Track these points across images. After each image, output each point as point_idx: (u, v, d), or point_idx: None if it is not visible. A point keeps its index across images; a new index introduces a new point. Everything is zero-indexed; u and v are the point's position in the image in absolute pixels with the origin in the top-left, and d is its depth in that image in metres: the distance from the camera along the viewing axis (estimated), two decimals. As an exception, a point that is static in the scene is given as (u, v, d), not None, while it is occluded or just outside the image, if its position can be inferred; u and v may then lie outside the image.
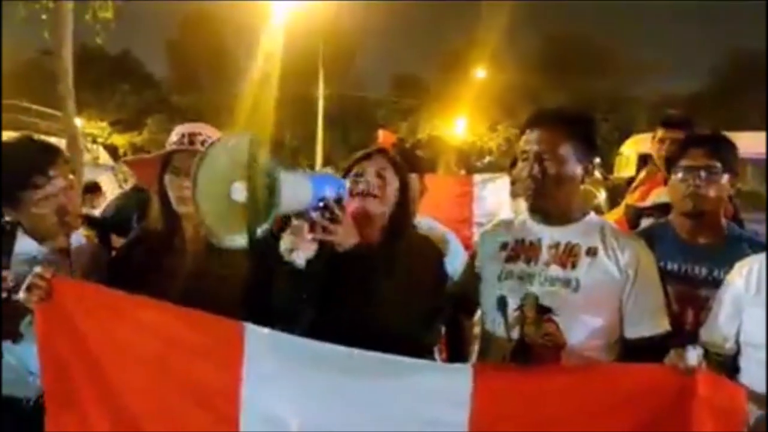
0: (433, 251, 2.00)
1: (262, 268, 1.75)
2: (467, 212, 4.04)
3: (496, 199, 4.12)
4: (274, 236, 1.65)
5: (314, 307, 1.75)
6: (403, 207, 1.92)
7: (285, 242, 1.66)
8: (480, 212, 4.09)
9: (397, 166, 1.92)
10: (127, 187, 5.57)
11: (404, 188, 1.92)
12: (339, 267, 1.71)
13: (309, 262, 1.65)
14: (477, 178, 4.46)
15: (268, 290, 1.73)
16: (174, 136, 2.02)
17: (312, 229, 1.64)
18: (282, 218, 1.62)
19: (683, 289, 2.06)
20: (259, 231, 1.45)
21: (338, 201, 1.68)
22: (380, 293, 1.70)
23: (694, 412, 1.46)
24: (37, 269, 1.65)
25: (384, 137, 3.71)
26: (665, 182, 2.50)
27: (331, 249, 1.68)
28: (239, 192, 1.46)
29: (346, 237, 1.68)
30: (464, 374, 1.58)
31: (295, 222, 1.66)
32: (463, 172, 5.04)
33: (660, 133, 3.44)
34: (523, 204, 1.93)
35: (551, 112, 1.89)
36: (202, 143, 2.01)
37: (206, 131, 2.04)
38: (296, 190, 1.55)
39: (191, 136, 1.99)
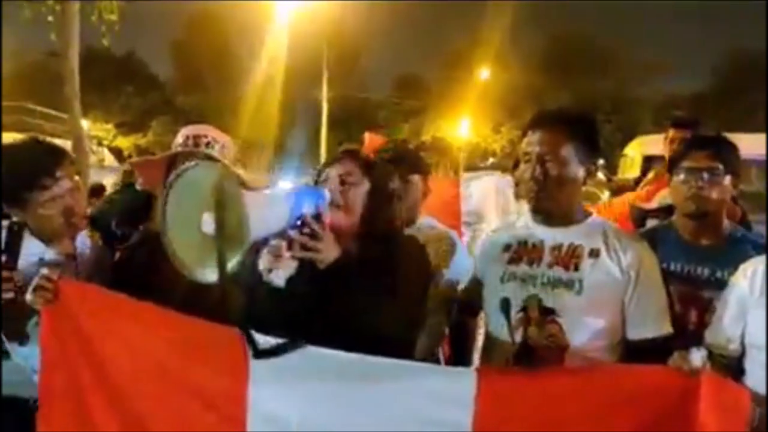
0: (417, 251, 1.89)
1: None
2: (454, 211, 4.02)
3: (482, 198, 4.11)
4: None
5: (298, 325, 1.63)
6: (378, 210, 1.80)
7: (263, 262, 1.62)
8: (465, 210, 4.07)
9: (367, 168, 1.82)
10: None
11: (377, 191, 1.81)
12: (322, 283, 1.63)
13: (290, 280, 1.61)
14: (462, 177, 4.44)
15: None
16: (179, 138, 2.04)
17: (290, 247, 1.58)
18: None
19: (686, 290, 2.06)
20: (230, 265, 1.38)
21: (317, 216, 1.61)
22: (364, 305, 1.63)
23: (698, 413, 1.46)
24: (44, 271, 1.66)
25: (370, 140, 3.68)
26: None
27: (312, 266, 1.62)
28: (208, 224, 1.40)
29: (326, 252, 1.60)
30: (468, 378, 1.58)
31: (272, 241, 1.61)
32: (451, 173, 5.00)
33: (671, 133, 3.45)
34: (526, 205, 1.93)
35: (553, 114, 1.89)
36: (207, 145, 2.03)
37: (211, 133, 2.06)
38: (273, 212, 1.50)
39: (196, 138, 2.02)
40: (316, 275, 1.62)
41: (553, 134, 1.79)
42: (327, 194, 1.70)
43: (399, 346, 1.66)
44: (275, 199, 1.58)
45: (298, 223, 1.57)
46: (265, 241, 1.61)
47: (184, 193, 1.46)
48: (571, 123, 1.82)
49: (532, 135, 1.82)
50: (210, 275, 1.41)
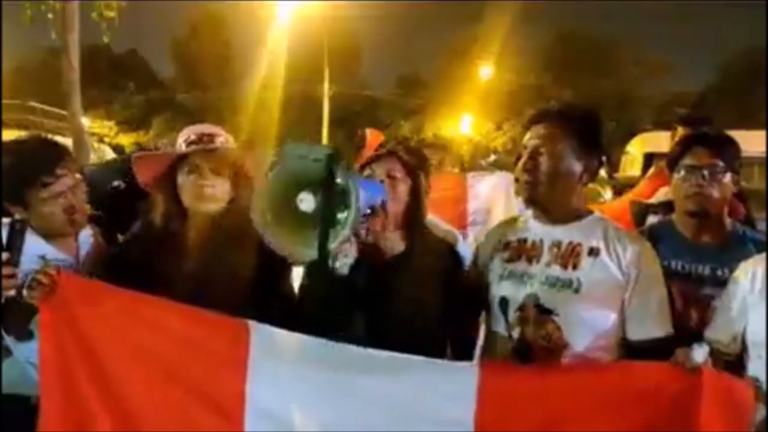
0: (449, 250, 2.01)
1: (269, 268, 1.75)
2: (461, 210, 4.04)
3: (489, 197, 4.13)
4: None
5: (361, 313, 1.74)
6: (417, 208, 1.93)
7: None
8: (471, 210, 4.10)
9: (408, 167, 1.93)
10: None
11: (416, 189, 1.93)
12: (382, 274, 1.72)
13: (351, 269, 1.66)
14: (469, 176, 4.47)
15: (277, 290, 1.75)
16: (192, 136, 1.99)
17: (357, 234, 1.64)
18: None
19: (687, 288, 2.05)
20: (333, 244, 1.44)
21: (383, 206, 1.70)
22: (403, 295, 1.71)
23: (701, 409, 1.47)
24: (41, 266, 1.67)
25: (372, 137, 3.69)
26: None
27: (373, 256, 1.69)
28: (307, 203, 1.45)
29: (394, 242, 1.71)
30: (470, 373, 1.58)
31: None
32: (456, 170, 5.04)
33: (679, 130, 3.44)
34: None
35: (554, 109, 1.88)
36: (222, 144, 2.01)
37: (216, 131, 2.03)
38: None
39: (211, 136, 1.98)
40: (375, 267, 1.71)
41: (551, 129, 1.79)
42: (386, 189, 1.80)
43: (428, 336, 1.75)
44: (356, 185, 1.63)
45: (368, 211, 1.65)
46: None
47: (283, 176, 1.51)
48: (571, 120, 1.81)
49: (532, 130, 1.83)
50: (310, 254, 1.46)
